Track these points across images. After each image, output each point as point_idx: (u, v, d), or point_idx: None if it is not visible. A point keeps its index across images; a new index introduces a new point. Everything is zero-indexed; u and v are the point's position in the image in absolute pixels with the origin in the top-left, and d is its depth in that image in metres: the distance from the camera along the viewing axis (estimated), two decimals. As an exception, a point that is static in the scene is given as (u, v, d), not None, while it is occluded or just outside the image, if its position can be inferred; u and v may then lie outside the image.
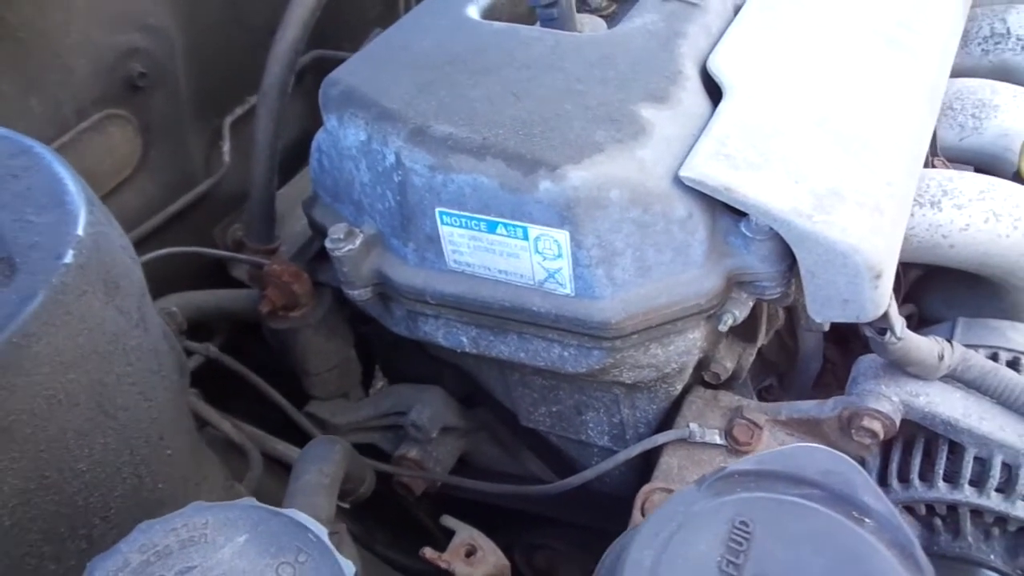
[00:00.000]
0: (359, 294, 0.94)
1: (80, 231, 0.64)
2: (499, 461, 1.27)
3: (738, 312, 0.83)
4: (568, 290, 0.81)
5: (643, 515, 0.86)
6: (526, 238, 0.79)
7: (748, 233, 0.79)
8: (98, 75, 1.29)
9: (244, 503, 0.50)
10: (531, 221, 0.78)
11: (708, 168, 0.77)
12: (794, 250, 0.76)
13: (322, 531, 0.48)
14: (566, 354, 0.86)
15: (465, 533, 0.86)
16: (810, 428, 0.94)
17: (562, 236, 0.77)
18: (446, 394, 1.19)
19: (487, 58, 0.90)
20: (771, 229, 0.77)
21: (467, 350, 0.95)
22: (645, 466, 1.04)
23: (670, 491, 0.88)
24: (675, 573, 0.46)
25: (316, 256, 1.15)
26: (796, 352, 1.22)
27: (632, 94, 0.83)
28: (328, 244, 0.92)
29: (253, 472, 0.97)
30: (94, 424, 0.62)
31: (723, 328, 0.83)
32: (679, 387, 0.99)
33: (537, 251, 0.79)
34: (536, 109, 0.82)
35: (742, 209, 0.77)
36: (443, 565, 0.83)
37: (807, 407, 0.94)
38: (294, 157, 1.50)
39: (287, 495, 0.73)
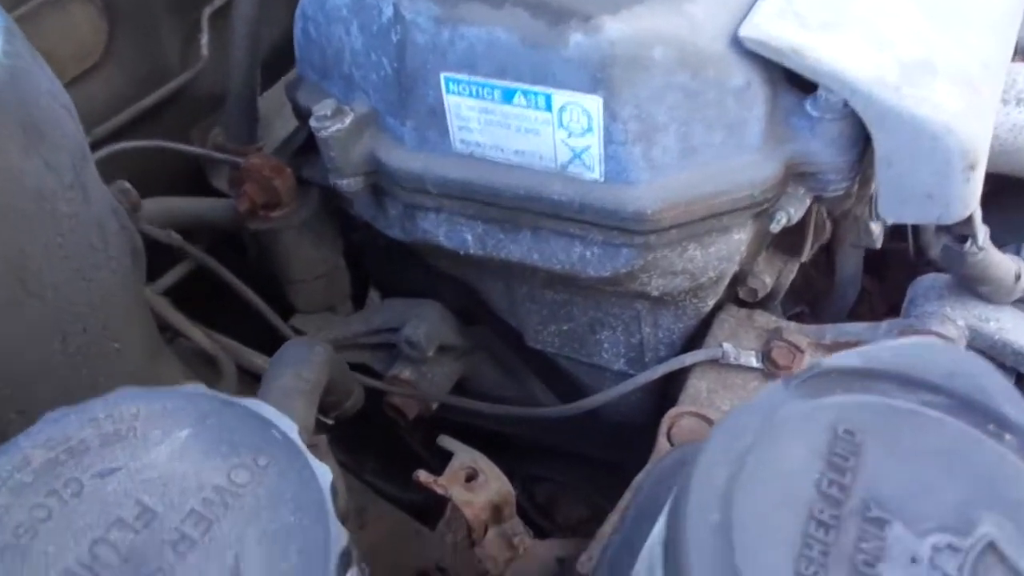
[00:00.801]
0: (348, 184, 0.81)
1: (-11, 59, 0.50)
2: (500, 385, 1.15)
3: (793, 210, 0.71)
4: (596, 174, 0.68)
5: (670, 441, 0.75)
6: (549, 108, 0.66)
7: (815, 112, 0.66)
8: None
9: (189, 389, 0.38)
10: (557, 85, 0.65)
11: (773, 28, 0.63)
12: (871, 131, 0.63)
13: (291, 427, 0.36)
14: (588, 254, 0.74)
15: (465, 455, 0.75)
16: (860, 353, 0.83)
17: (594, 104, 0.64)
18: (444, 309, 1.07)
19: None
20: (844, 107, 0.64)
21: (471, 251, 0.82)
22: (664, 392, 0.93)
23: (702, 416, 0.77)
24: (759, 496, 0.34)
25: (301, 149, 1.01)
26: (832, 276, 1.11)
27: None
28: (313, 123, 0.79)
29: (225, 385, 0.85)
30: (11, 300, 0.49)
31: (775, 228, 0.71)
32: (711, 303, 0.87)
33: (562, 125, 0.66)
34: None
35: (812, 78, 0.63)
36: (439, 490, 0.72)
37: (857, 330, 0.83)
38: (280, 57, 1.35)
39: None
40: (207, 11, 1.35)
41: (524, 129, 0.68)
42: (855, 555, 0.33)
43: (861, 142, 0.67)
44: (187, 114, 1.34)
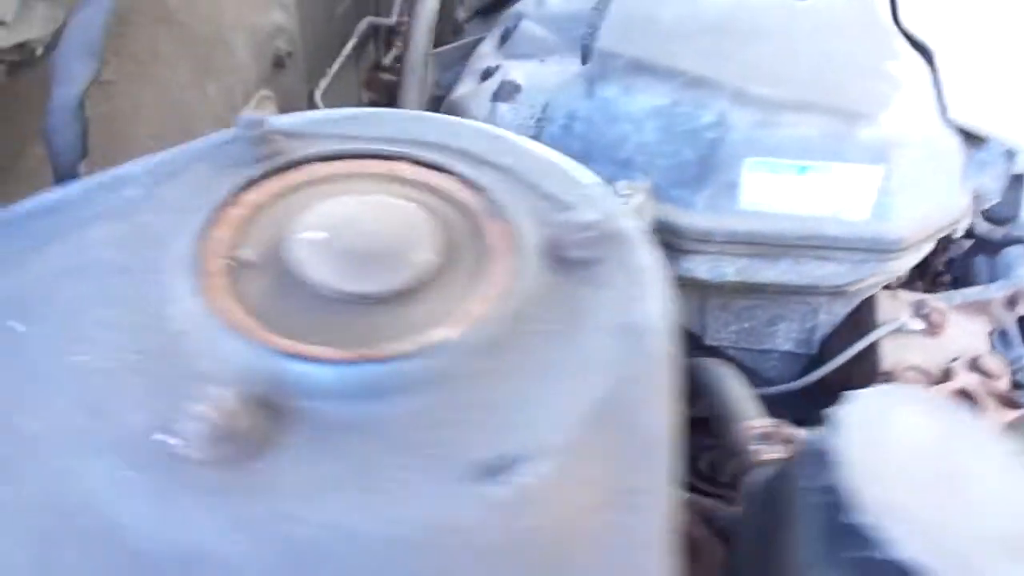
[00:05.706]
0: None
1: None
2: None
3: (970, 221, 1.06)
4: (866, 216, 0.99)
5: (904, 390, 1.08)
6: (834, 176, 0.96)
7: (988, 159, 1.01)
8: (254, 55, 1.29)
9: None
10: (845, 161, 0.95)
11: (967, 113, 0.98)
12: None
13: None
14: (841, 270, 1.05)
15: None
16: (980, 309, 1.20)
17: (876, 172, 0.95)
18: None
19: (739, 25, 1.05)
20: (1005, 152, 1.00)
21: (728, 279, 1.11)
22: (809, 358, 1.24)
23: (918, 368, 1.10)
24: None
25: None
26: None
27: (877, 53, 1.02)
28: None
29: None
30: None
31: (957, 236, 1.06)
32: (876, 290, 1.21)
33: (844, 186, 0.97)
34: (817, 68, 0.99)
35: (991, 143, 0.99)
36: None
37: (975, 292, 1.20)
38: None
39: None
40: (318, 93, 1.53)
41: (809, 192, 0.98)
42: None
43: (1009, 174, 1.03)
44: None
